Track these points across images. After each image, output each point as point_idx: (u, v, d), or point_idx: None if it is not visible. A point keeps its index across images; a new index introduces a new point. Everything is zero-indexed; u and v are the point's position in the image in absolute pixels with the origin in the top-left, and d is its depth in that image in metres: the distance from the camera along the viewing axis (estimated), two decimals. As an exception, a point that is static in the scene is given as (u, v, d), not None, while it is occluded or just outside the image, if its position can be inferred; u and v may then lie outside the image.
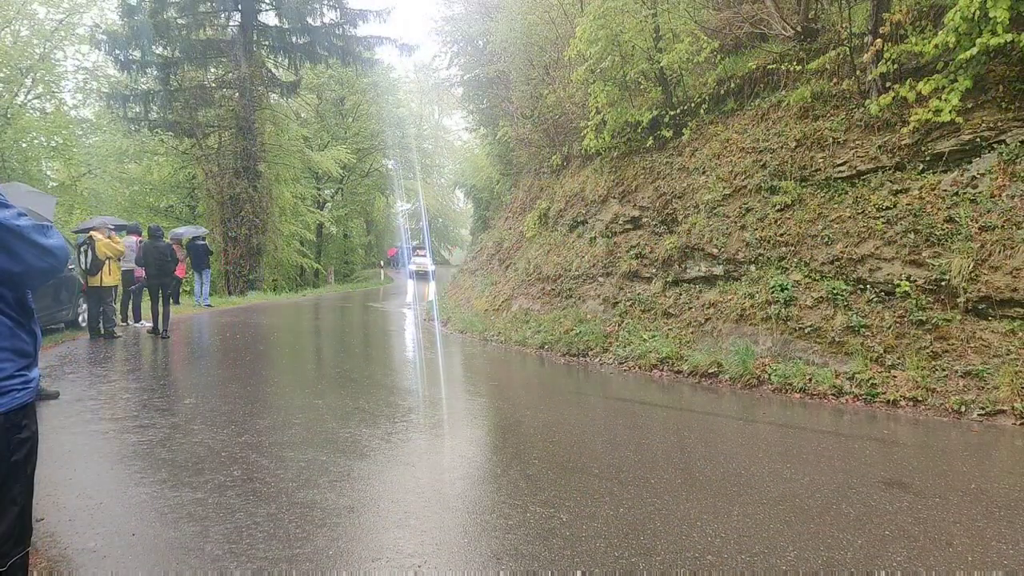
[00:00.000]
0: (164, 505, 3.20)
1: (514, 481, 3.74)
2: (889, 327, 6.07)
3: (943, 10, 6.28)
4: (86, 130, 22.75)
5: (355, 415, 5.20)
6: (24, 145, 20.43)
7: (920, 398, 5.54)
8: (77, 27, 21.05)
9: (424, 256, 33.46)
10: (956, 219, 6.00)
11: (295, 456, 4.03)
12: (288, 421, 4.94)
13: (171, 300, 10.24)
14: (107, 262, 8.95)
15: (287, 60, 21.31)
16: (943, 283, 5.90)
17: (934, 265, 5.99)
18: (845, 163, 7.04)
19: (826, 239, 6.83)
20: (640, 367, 7.67)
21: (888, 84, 6.79)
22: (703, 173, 8.52)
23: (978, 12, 5.63)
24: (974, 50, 5.78)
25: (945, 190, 6.21)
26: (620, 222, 9.72)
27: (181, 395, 5.94)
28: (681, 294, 8.27)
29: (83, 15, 21.20)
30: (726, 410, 5.85)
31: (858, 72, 7.14)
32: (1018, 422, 5.04)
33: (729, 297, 7.54)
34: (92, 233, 8.99)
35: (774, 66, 8.28)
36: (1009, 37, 5.52)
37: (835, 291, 6.54)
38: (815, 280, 6.81)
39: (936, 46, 6.12)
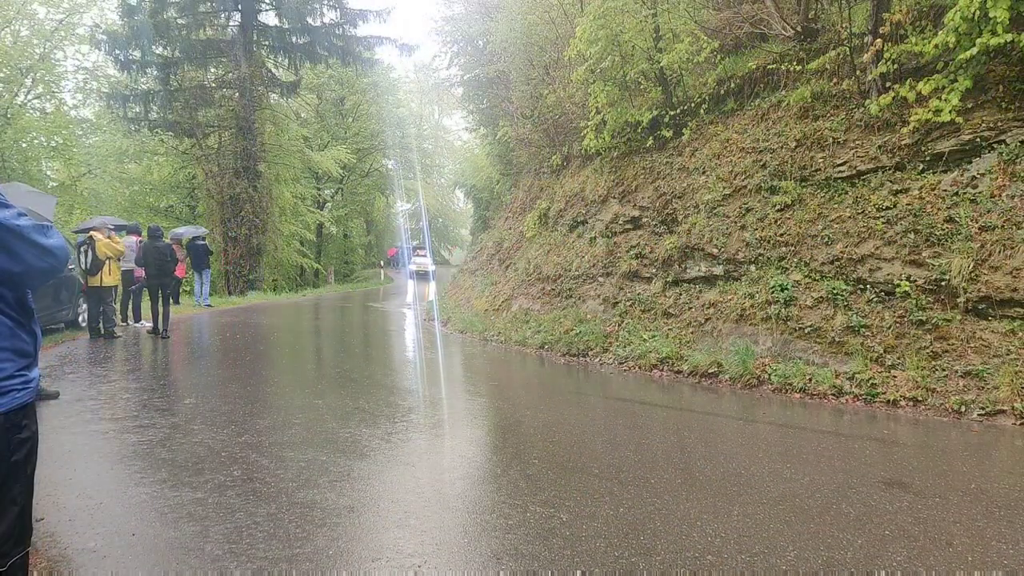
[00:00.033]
0: (164, 505, 3.20)
1: (514, 481, 3.74)
2: (889, 327, 6.07)
3: (943, 10, 6.29)
4: (86, 130, 22.75)
5: (355, 415, 5.20)
6: (24, 145, 20.43)
7: (920, 398, 5.54)
8: (77, 27, 21.07)
9: (424, 256, 33.44)
10: (956, 219, 6.00)
11: (295, 456, 4.03)
12: (288, 421, 4.94)
13: (171, 300, 10.25)
14: (107, 262, 8.96)
15: (287, 60, 21.31)
16: (943, 283, 5.90)
17: (934, 265, 5.99)
18: (845, 163, 7.04)
19: (826, 239, 6.83)
20: (640, 367, 7.67)
21: (888, 84, 6.79)
22: (703, 173, 8.52)
23: (978, 12, 5.63)
24: (974, 50, 5.79)
25: (945, 190, 6.21)
26: (620, 222, 9.72)
27: (181, 395, 5.94)
28: (681, 294, 8.27)
29: (83, 15, 21.23)
30: (726, 410, 5.85)
31: (858, 72, 7.14)
32: (1018, 422, 5.05)
33: (729, 297, 7.54)
34: (92, 233, 9.00)
35: (774, 66, 8.28)
36: (1009, 37, 5.53)
37: (835, 291, 6.54)
38: (815, 280, 6.81)
39: (936, 46, 6.12)
